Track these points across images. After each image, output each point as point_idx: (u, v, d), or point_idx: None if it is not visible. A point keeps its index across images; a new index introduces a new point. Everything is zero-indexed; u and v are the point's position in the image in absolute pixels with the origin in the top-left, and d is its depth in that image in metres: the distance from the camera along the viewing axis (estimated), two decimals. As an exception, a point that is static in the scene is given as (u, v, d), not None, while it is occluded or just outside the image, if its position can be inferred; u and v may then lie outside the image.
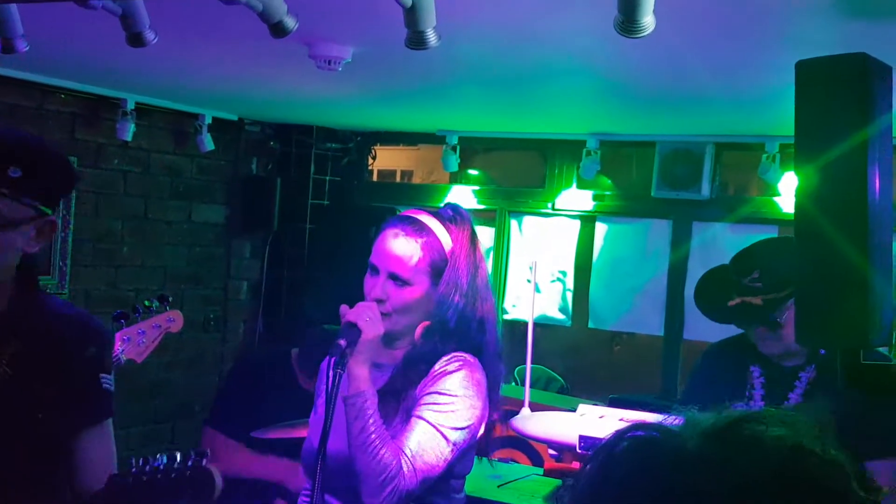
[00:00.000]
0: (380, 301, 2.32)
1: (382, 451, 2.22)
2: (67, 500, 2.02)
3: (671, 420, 0.90)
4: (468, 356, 2.38)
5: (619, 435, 0.90)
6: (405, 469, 2.22)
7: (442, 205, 2.49)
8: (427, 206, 2.44)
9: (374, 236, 2.42)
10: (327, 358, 2.41)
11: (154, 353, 3.48)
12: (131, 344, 3.34)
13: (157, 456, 1.84)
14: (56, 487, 1.99)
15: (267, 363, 4.03)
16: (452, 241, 2.40)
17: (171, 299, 3.55)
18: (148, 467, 1.82)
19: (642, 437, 0.88)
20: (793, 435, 0.86)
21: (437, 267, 2.37)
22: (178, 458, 1.83)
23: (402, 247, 2.35)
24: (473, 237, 2.47)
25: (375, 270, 2.36)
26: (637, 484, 0.85)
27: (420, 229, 2.38)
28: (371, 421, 2.24)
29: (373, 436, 2.23)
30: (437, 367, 2.35)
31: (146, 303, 3.44)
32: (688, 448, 0.86)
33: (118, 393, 3.10)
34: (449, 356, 2.36)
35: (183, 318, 3.59)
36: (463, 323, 2.38)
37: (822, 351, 2.91)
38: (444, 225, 2.42)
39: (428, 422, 2.29)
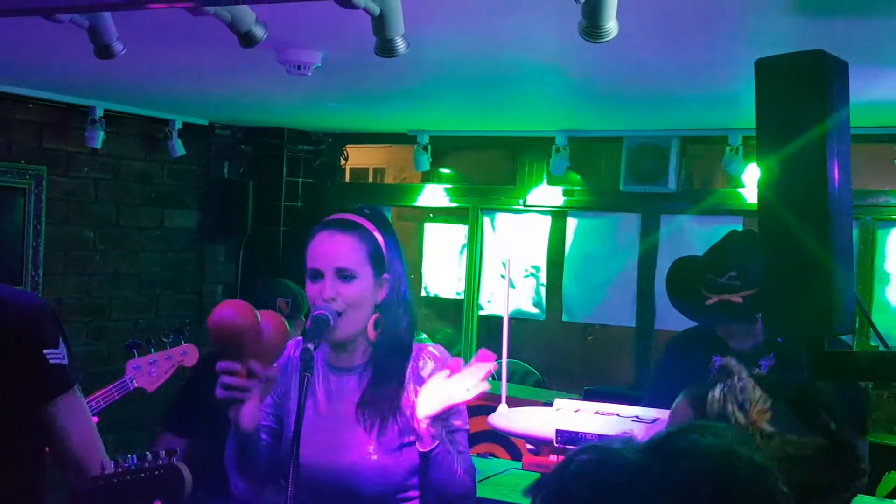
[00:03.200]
0: (331, 300, 2.31)
1: (465, 476, 2.35)
2: (38, 481, 2.03)
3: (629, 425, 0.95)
4: (433, 351, 2.45)
5: (569, 458, 0.94)
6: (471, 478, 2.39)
7: (357, 206, 2.53)
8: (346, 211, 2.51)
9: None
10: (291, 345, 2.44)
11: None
12: (142, 373, 3.42)
13: (128, 457, 1.84)
14: (28, 473, 1.99)
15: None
16: (380, 234, 2.43)
17: (184, 333, 3.58)
18: (120, 469, 1.82)
19: (588, 458, 0.92)
20: (724, 442, 0.91)
21: (376, 258, 2.38)
22: (150, 458, 1.83)
23: (341, 243, 2.36)
24: (392, 228, 2.52)
25: (318, 274, 2.35)
26: (587, 499, 0.89)
27: (351, 226, 2.40)
28: (452, 460, 2.32)
29: (456, 468, 2.32)
30: (422, 366, 2.40)
31: (162, 337, 3.49)
32: (631, 462, 0.89)
33: (124, 407, 3.11)
34: (423, 360, 2.42)
35: (198, 352, 3.61)
36: (408, 307, 2.45)
37: (780, 339, 2.95)
38: (367, 221, 2.44)
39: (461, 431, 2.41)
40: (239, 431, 2.20)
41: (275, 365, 2.22)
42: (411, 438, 2.35)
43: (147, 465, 1.83)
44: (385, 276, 2.40)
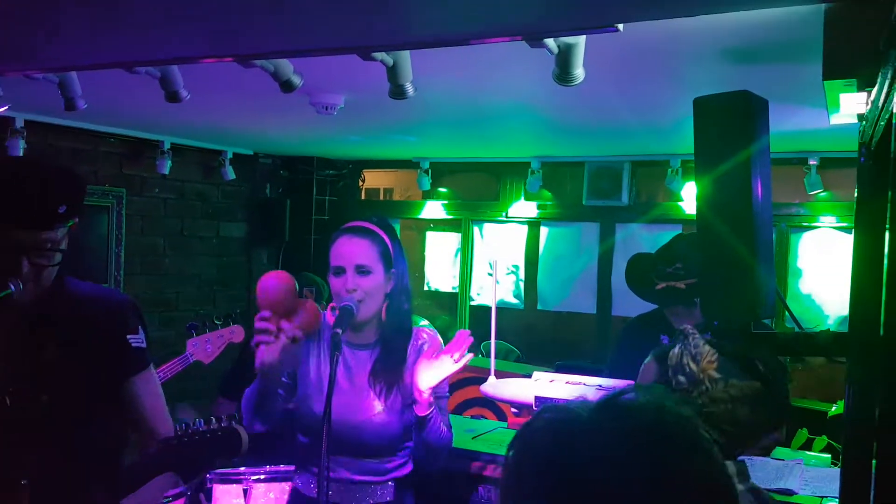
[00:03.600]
0: (352, 290, 2.33)
1: (447, 434, 2.41)
2: (115, 446, 2.00)
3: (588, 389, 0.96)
4: (427, 330, 2.49)
5: (535, 416, 0.95)
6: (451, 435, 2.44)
7: (367, 216, 2.54)
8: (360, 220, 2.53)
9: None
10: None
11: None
12: (199, 349, 3.42)
13: (196, 421, 1.83)
14: (112, 437, 1.97)
15: None
16: (387, 237, 2.43)
17: (234, 316, 3.58)
18: (190, 430, 1.81)
19: (550, 416, 0.93)
20: (655, 400, 0.92)
21: (385, 256, 2.40)
22: (213, 422, 1.82)
23: (358, 245, 2.37)
24: (396, 233, 2.53)
25: (341, 270, 2.36)
26: (547, 448, 0.90)
27: (365, 232, 2.41)
28: (440, 425, 2.38)
29: (442, 430, 2.38)
30: (420, 344, 2.43)
31: (215, 320, 3.50)
32: (584, 419, 0.90)
33: (184, 381, 3.09)
34: (420, 338, 2.46)
35: (244, 331, 3.60)
36: (409, 297, 2.48)
37: (715, 322, 2.95)
38: (377, 227, 2.45)
39: (445, 397, 2.45)
40: (260, 371, 2.20)
41: (299, 332, 2.21)
42: (409, 402, 2.38)
43: (211, 427, 1.82)
44: (392, 270, 2.41)
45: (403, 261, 2.47)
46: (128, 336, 1.96)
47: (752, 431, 1.53)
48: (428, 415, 2.33)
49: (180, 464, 1.82)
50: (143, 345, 2.00)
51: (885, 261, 1.08)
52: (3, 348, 1.85)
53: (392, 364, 2.41)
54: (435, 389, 2.35)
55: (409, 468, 2.48)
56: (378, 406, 2.37)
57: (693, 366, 1.54)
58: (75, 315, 1.90)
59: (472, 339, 2.32)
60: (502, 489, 0.92)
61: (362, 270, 2.35)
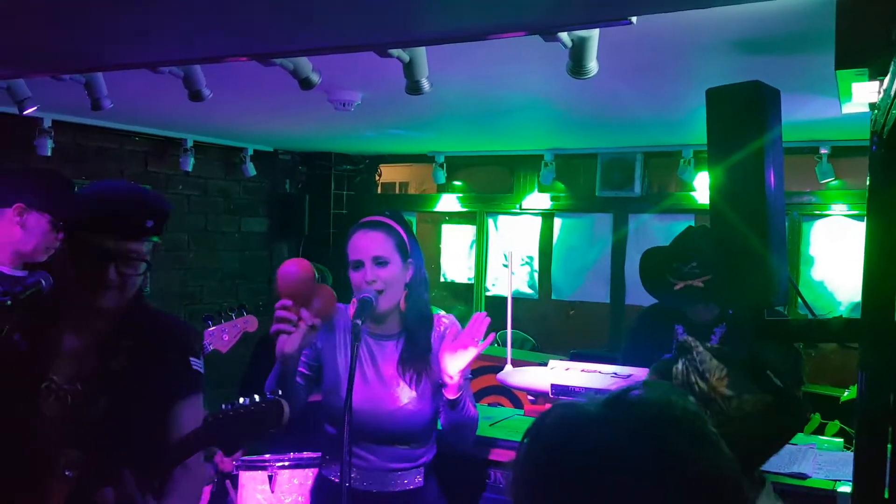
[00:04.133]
0: (372, 282, 2.34)
1: (477, 416, 2.45)
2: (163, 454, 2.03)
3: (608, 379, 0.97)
4: (445, 318, 2.50)
5: (546, 412, 0.96)
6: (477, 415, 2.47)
7: (380, 210, 2.55)
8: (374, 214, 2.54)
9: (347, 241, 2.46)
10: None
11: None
12: (216, 338, 3.44)
13: (242, 399, 1.85)
14: (158, 442, 1.99)
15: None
16: (402, 229, 2.44)
17: (247, 307, 3.61)
18: (234, 406, 1.84)
19: (561, 412, 0.94)
20: (663, 395, 0.92)
21: (401, 247, 2.40)
22: (257, 398, 1.85)
23: (374, 238, 2.39)
24: (409, 225, 2.54)
25: (360, 263, 2.37)
26: (558, 441, 0.91)
27: (380, 225, 2.42)
28: (471, 408, 2.42)
29: (473, 414, 2.43)
30: (443, 331, 2.44)
31: (229, 311, 3.53)
32: (593, 413, 0.91)
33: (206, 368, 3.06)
34: (441, 325, 2.47)
35: (258, 321, 3.63)
36: (427, 286, 2.50)
37: (730, 311, 2.92)
38: (390, 220, 2.45)
39: (468, 378, 2.46)
40: (281, 358, 2.21)
41: (318, 320, 2.22)
42: (437, 388, 2.40)
43: (256, 402, 1.84)
44: (409, 260, 2.42)
45: (419, 251, 2.49)
46: (191, 358, 2.01)
47: (771, 444, 1.48)
48: (458, 397, 2.35)
49: (225, 437, 1.85)
50: (202, 370, 2.05)
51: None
52: (79, 348, 1.91)
53: (419, 352, 2.42)
54: (462, 372, 2.37)
55: (434, 452, 2.50)
56: (408, 394, 2.39)
57: (702, 384, 1.45)
58: (148, 331, 1.96)
59: (488, 319, 2.34)
60: (516, 479, 0.93)
61: (380, 262, 2.36)
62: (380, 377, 2.41)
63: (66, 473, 1.80)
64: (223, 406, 1.85)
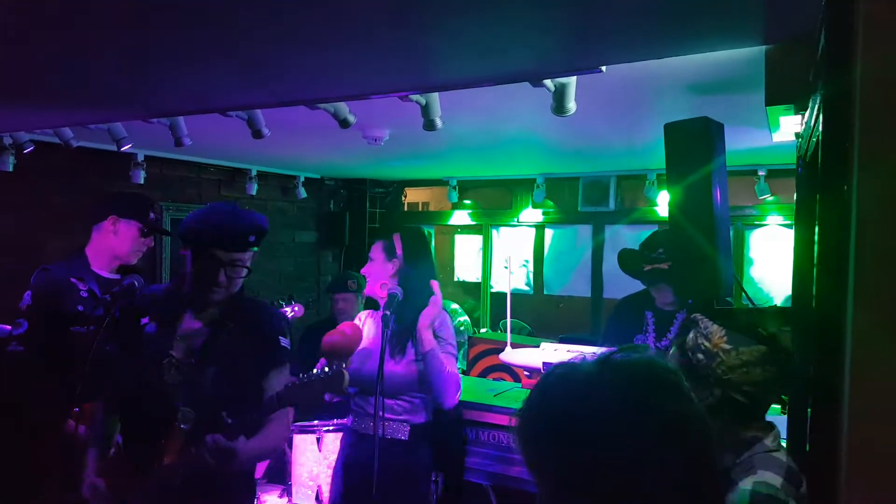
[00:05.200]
0: (392, 276, 2.47)
1: (452, 374, 2.37)
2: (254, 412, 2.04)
3: (585, 354, 0.94)
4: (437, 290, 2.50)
5: (549, 370, 0.94)
6: (459, 379, 2.40)
7: (401, 228, 2.64)
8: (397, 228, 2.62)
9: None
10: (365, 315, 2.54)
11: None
12: None
13: (315, 370, 1.89)
14: (255, 401, 2.02)
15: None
16: (400, 240, 2.54)
17: (295, 298, 3.66)
18: (306, 374, 1.88)
19: (561, 371, 0.92)
20: (645, 357, 0.91)
21: (386, 249, 2.52)
22: (325, 369, 1.88)
23: (374, 247, 2.57)
24: (419, 239, 2.60)
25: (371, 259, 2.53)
26: (558, 394, 0.90)
27: (384, 238, 2.58)
28: (442, 362, 2.36)
29: (447, 368, 2.36)
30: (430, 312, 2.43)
31: (280, 301, 3.56)
32: (588, 371, 0.89)
33: None
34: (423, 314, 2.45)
35: (303, 309, 3.67)
36: (419, 280, 2.49)
37: (690, 301, 2.90)
38: (397, 236, 2.56)
39: (446, 353, 2.40)
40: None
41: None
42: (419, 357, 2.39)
43: (324, 371, 1.88)
44: (394, 259, 2.49)
45: (416, 256, 2.50)
46: (280, 337, 2.04)
47: (769, 388, 1.45)
48: (428, 351, 2.34)
49: (301, 398, 1.87)
50: (289, 347, 2.07)
51: (815, 248, 1.06)
52: (194, 331, 1.97)
53: (402, 328, 2.44)
54: (437, 331, 2.37)
55: (423, 418, 2.47)
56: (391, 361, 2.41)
57: (707, 343, 1.46)
58: (248, 315, 2.02)
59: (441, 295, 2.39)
60: (523, 429, 0.91)
61: (370, 258, 2.52)
62: (375, 347, 2.45)
63: (182, 427, 1.87)
64: (301, 374, 1.88)
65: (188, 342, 1.96)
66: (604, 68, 1.75)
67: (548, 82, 1.92)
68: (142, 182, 4.37)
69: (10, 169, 3.71)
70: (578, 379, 0.89)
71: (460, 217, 6.04)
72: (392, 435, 2.40)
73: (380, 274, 2.50)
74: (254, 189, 5.14)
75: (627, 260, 3.12)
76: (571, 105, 2.04)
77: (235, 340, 1.96)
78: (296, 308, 3.59)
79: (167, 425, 1.88)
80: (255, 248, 2.03)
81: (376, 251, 2.53)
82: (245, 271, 1.99)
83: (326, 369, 1.87)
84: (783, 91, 1.53)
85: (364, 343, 2.47)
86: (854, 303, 0.71)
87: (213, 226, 1.95)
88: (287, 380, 1.97)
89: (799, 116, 1.62)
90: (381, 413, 2.32)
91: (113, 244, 2.65)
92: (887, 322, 0.71)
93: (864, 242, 0.70)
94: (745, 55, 1.82)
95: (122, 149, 3.22)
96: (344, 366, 2.13)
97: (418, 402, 2.46)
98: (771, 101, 1.58)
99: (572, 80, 1.99)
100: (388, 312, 2.25)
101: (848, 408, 0.72)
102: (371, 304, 2.74)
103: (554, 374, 0.92)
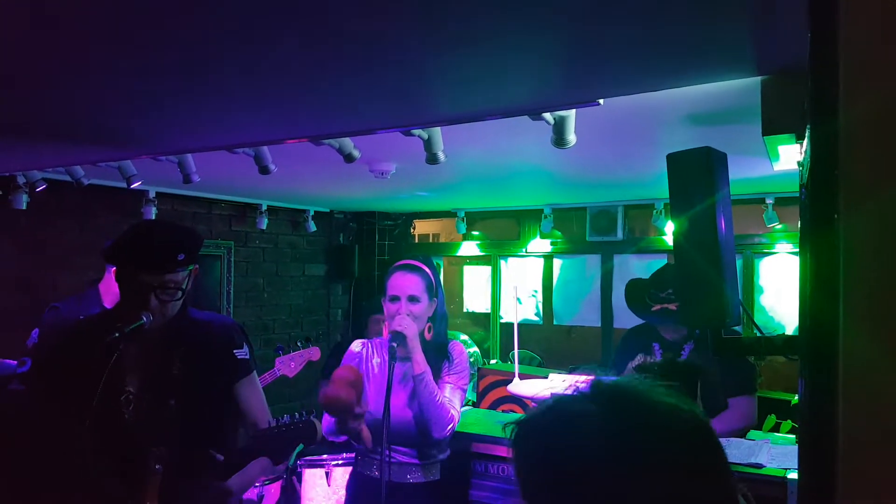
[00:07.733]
0: (407, 314, 2.34)
1: (444, 405, 2.28)
2: (232, 439, 2.00)
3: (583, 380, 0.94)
4: (458, 343, 2.47)
5: (540, 403, 0.95)
6: (454, 413, 2.30)
7: (414, 255, 2.54)
8: (409, 258, 2.52)
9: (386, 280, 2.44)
10: (365, 346, 2.47)
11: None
12: (284, 365, 3.45)
13: (284, 417, 1.83)
14: (224, 429, 1.97)
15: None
16: (430, 272, 2.43)
17: (312, 340, 3.63)
18: (277, 423, 1.82)
19: (549, 405, 0.93)
20: (632, 382, 0.91)
21: (429, 288, 2.40)
22: (296, 417, 1.82)
23: (410, 280, 2.38)
24: (436, 269, 2.53)
25: (397, 298, 2.37)
26: (548, 426, 0.91)
27: (414, 268, 2.42)
28: (434, 387, 2.28)
29: (437, 396, 2.27)
30: (451, 352, 2.39)
31: (298, 343, 3.55)
32: (576, 400, 0.90)
33: (275, 389, 3.05)
34: (451, 344, 2.42)
35: (320, 352, 3.63)
36: (445, 320, 2.47)
37: (697, 332, 2.87)
38: (423, 265, 2.45)
39: (454, 386, 2.35)
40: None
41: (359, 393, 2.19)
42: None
43: (294, 420, 1.82)
44: (434, 299, 2.40)
45: (441, 291, 2.47)
46: (234, 350, 1.97)
47: None
48: (421, 374, 2.28)
49: (272, 449, 1.82)
50: (247, 356, 2.00)
51: (809, 275, 1.04)
52: (140, 365, 1.89)
53: (432, 368, 2.39)
54: (449, 378, 2.32)
55: (436, 475, 2.42)
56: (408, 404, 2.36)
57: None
58: (194, 337, 1.93)
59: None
60: (520, 458, 0.91)
61: (413, 299, 2.36)
62: (404, 390, 2.38)
63: (157, 468, 1.78)
64: (269, 422, 1.82)
65: (139, 375, 1.85)
66: (601, 101, 1.76)
67: (547, 115, 1.93)
68: (153, 218, 4.42)
69: (24, 207, 3.78)
70: (565, 411, 0.89)
71: (469, 248, 6.04)
72: (400, 479, 2.37)
73: (424, 315, 2.39)
74: (264, 223, 5.18)
75: (636, 297, 3.10)
76: (571, 137, 2.04)
77: (187, 365, 1.86)
78: (312, 351, 3.57)
79: (142, 468, 1.78)
80: (192, 266, 1.86)
81: (419, 289, 2.36)
82: (179, 293, 1.83)
83: (296, 416, 1.81)
84: (779, 121, 1.53)
85: (378, 380, 2.43)
86: (845, 326, 0.70)
87: (138, 247, 1.79)
88: (259, 387, 1.92)
89: (798, 145, 1.62)
90: (387, 454, 2.28)
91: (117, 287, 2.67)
92: (886, 348, 0.70)
93: (853, 270, 0.69)
94: (743, 85, 1.83)
95: (132, 186, 3.27)
96: (357, 410, 2.10)
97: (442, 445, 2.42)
98: (767, 130, 1.58)
99: (571, 113, 2.00)
100: (394, 345, 2.23)
101: (842, 435, 0.71)
102: (358, 332, 2.71)
103: (542, 406, 0.93)
